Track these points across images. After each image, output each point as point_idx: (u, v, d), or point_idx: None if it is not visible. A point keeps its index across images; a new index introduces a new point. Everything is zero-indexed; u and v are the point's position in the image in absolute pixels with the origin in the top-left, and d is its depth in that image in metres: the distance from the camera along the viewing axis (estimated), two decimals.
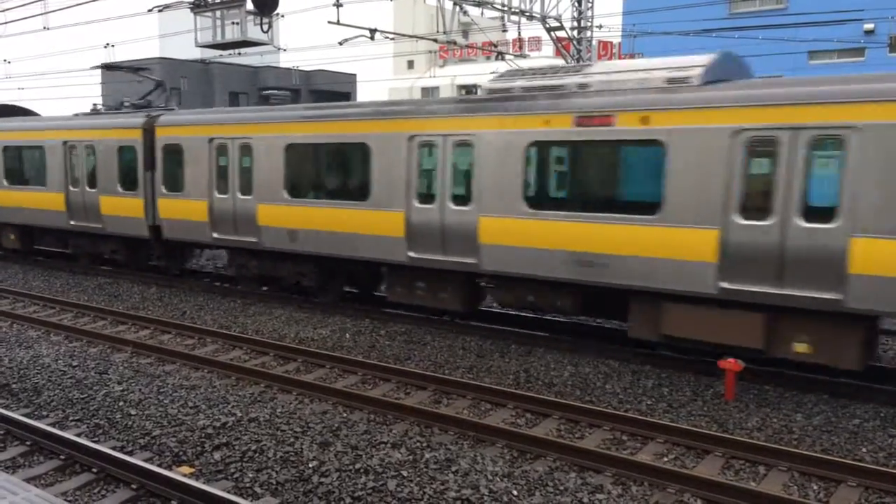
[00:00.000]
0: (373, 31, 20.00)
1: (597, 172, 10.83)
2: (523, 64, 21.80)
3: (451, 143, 11.93)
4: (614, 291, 10.80)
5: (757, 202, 9.36)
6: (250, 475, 7.13)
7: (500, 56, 24.59)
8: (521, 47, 26.03)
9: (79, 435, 8.14)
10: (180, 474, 6.95)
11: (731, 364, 9.37)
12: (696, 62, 10.36)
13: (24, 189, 19.64)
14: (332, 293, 14.90)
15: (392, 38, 23.26)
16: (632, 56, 38.65)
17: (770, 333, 9.62)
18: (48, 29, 24.39)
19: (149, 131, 16.57)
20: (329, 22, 19.12)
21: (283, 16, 22.60)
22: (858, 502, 6.91)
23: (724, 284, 9.62)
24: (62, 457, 7.58)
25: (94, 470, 7.26)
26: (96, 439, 8.12)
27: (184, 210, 15.90)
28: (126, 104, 18.99)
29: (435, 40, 22.55)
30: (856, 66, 29.88)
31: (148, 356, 11.64)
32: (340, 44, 21.29)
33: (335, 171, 13.66)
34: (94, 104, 19.91)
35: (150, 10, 21.13)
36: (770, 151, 9.24)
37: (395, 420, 8.93)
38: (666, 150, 9.91)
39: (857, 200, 8.67)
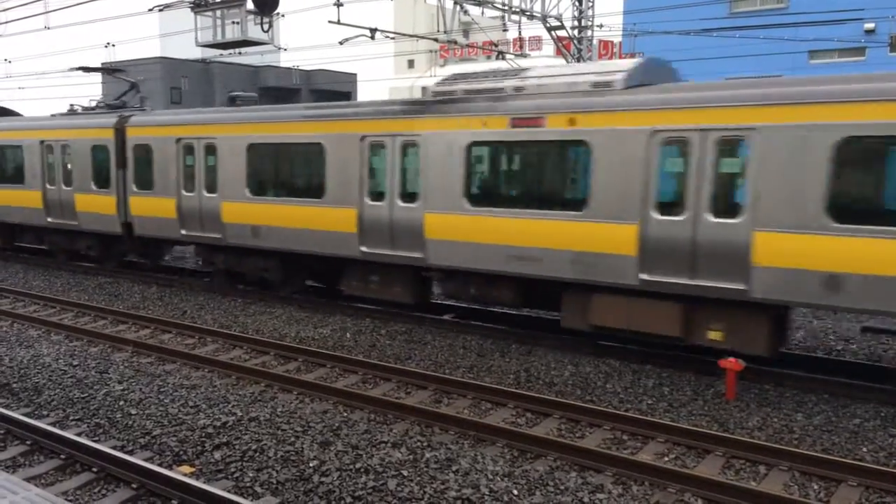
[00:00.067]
0: (373, 30, 19.98)
1: (530, 171, 11.38)
2: (524, 63, 21.84)
3: (399, 143, 12.54)
4: (548, 284, 11.43)
5: (671, 199, 9.98)
6: (251, 474, 7.13)
7: (501, 55, 24.56)
8: (521, 47, 26.01)
9: (79, 434, 8.14)
10: (181, 474, 6.95)
11: (731, 364, 9.38)
12: (619, 67, 10.98)
13: (4, 187, 20.12)
14: (293, 287, 15.50)
15: (392, 38, 23.22)
16: (632, 56, 38.69)
17: (687, 322, 10.24)
18: (49, 28, 24.42)
19: (120, 131, 17.18)
20: (329, 21, 19.10)
21: (283, 15, 22.56)
22: (859, 502, 6.91)
23: (644, 276, 10.24)
24: (62, 456, 7.58)
25: (95, 469, 7.27)
26: (97, 439, 8.13)
27: (154, 207, 16.55)
28: (101, 105, 19.47)
29: (436, 40, 22.51)
30: (857, 66, 29.87)
31: (148, 355, 11.64)
32: (341, 43, 21.27)
33: (293, 170, 14.23)
34: (71, 104, 20.33)
35: (150, 10, 21.15)
36: (682, 151, 9.87)
37: (396, 419, 8.94)
38: (591, 150, 10.54)
39: (759, 197, 9.28)
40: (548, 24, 22.57)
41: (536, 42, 41.46)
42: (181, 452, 7.69)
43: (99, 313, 14.36)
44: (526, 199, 11.27)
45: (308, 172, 13.87)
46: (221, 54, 31.39)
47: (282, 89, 46.36)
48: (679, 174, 9.90)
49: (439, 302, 14.76)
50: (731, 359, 9.45)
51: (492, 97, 11.64)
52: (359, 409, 9.30)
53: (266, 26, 18.39)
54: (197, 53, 31.96)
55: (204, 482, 6.82)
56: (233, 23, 18.72)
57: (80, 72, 20.76)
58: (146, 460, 7.37)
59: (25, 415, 8.70)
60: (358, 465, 7.21)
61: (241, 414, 8.65)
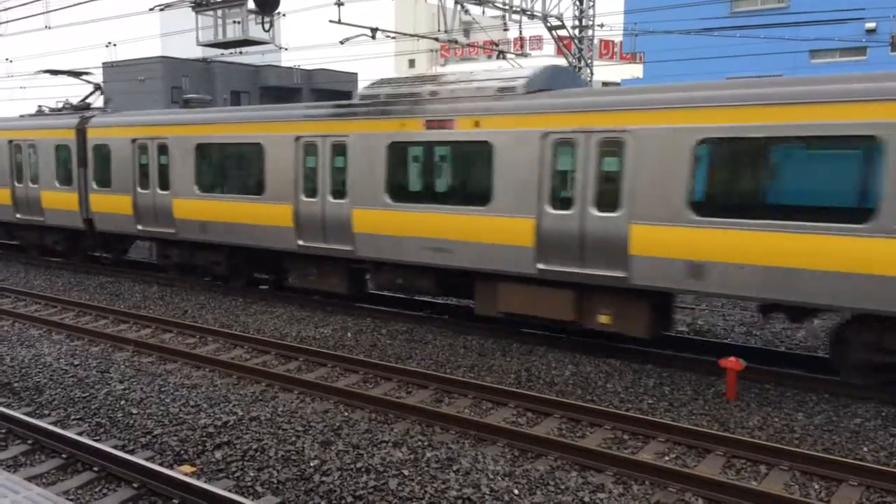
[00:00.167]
0: (374, 29, 19.98)
1: (442, 169, 12.32)
2: (524, 63, 21.86)
3: (329, 143, 13.41)
4: (463, 274, 12.29)
5: (562, 195, 10.91)
6: (251, 474, 7.13)
7: (502, 55, 24.55)
8: (522, 46, 25.99)
9: (80, 434, 8.15)
10: (181, 473, 6.95)
11: (732, 363, 9.39)
12: (521, 73, 11.89)
13: None
14: (241, 279, 16.28)
15: (393, 37, 23.22)
16: (633, 55, 38.67)
17: (580, 307, 11.15)
18: (50, 28, 24.45)
19: (81, 132, 18.07)
20: (330, 21, 19.11)
21: (284, 15, 22.58)
22: (860, 502, 6.90)
23: (541, 266, 11.15)
24: (64, 456, 7.59)
25: (96, 469, 7.27)
26: (98, 438, 8.13)
27: (112, 204, 17.47)
28: (66, 106, 20.23)
29: (436, 39, 22.51)
30: (858, 66, 29.83)
31: (149, 355, 11.65)
32: (342, 43, 21.28)
33: (237, 168, 15.10)
34: (39, 105, 21.14)
35: (151, 10, 21.18)
36: (570, 151, 10.79)
37: (397, 419, 8.94)
38: (493, 150, 11.43)
39: (634, 192, 10.21)
40: (548, 24, 22.56)
41: (537, 41, 41.44)
42: (182, 452, 7.69)
43: (100, 313, 14.37)
44: (440, 196, 12.19)
45: (250, 171, 14.73)
46: (222, 54, 31.41)
47: (283, 89, 46.33)
48: (568, 172, 10.83)
49: (374, 293, 15.36)
50: (732, 358, 9.46)
51: (410, 101, 12.51)
52: (360, 408, 9.31)
53: (267, 26, 18.42)
54: (198, 53, 31.95)
55: (205, 482, 6.82)
56: (234, 22, 18.75)
57: (47, 74, 21.15)
58: (147, 460, 7.37)
59: (27, 414, 8.71)
60: (359, 465, 7.22)
61: (241, 413, 8.65)
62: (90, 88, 20.57)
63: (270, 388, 10.12)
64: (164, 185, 16.19)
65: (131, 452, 7.66)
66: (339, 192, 13.32)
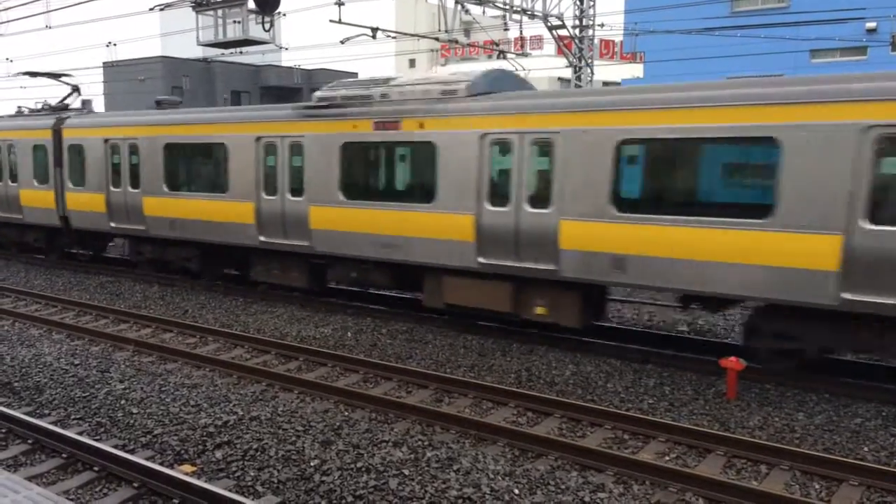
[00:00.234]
0: (374, 29, 19.99)
1: (391, 168, 13.01)
2: (525, 62, 21.81)
3: (287, 143, 13.96)
4: (412, 268, 12.80)
5: (500, 192, 11.43)
6: (252, 474, 7.13)
7: (502, 55, 24.54)
8: (522, 46, 26.00)
9: (80, 433, 8.15)
10: (182, 473, 6.95)
11: (732, 363, 9.38)
12: (464, 77, 12.31)
13: None
14: (211, 275, 16.81)
15: (394, 37, 23.24)
16: (633, 55, 38.65)
17: (517, 299, 11.68)
18: (50, 28, 24.49)
19: (57, 132, 18.60)
20: (331, 21, 19.12)
21: (284, 14, 22.58)
22: (860, 501, 6.90)
23: (482, 259, 11.70)
24: (64, 455, 7.59)
25: (96, 468, 7.27)
26: (98, 438, 8.13)
27: (86, 202, 18.02)
28: (45, 107, 20.69)
29: (437, 39, 22.51)
30: (858, 65, 29.82)
31: (150, 355, 11.64)
32: (342, 42, 21.28)
33: (202, 167, 15.67)
34: (19, 106, 21.72)
35: (151, 9, 21.20)
36: (506, 151, 11.34)
37: (397, 419, 8.94)
38: (436, 150, 11.95)
39: (563, 190, 10.77)
40: (549, 24, 22.56)
41: (538, 41, 41.45)
42: (182, 451, 7.69)
43: (100, 312, 14.37)
44: (389, 194, 12.80)
45: (215, 170, 15.30)
46: (223, 53, 31.41)
47: (283, 88, 46.34)
48: (505, 171, 11.38)
49: (334, 287, 15.83)
50: (733, 358, 9.46)
51: (362, 103, 12.97)
52: (360, 408, 9.30)
53: (267, 25, 18.44)
54: (198, 53, 31.97)
55: (205, 481, 6.82)
56: (234, 22, 18.78)
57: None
58: (147, 459, 7.37)
59: (27, 414, 8.70)
60: (359, 465, 7.21)
61: (242, 413, 8.65)
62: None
63: (271, 387, 10.11)
64: (135, 183, 16.73)
65: (132, 452, 7.66)
66: (296, 190, 13.85)
